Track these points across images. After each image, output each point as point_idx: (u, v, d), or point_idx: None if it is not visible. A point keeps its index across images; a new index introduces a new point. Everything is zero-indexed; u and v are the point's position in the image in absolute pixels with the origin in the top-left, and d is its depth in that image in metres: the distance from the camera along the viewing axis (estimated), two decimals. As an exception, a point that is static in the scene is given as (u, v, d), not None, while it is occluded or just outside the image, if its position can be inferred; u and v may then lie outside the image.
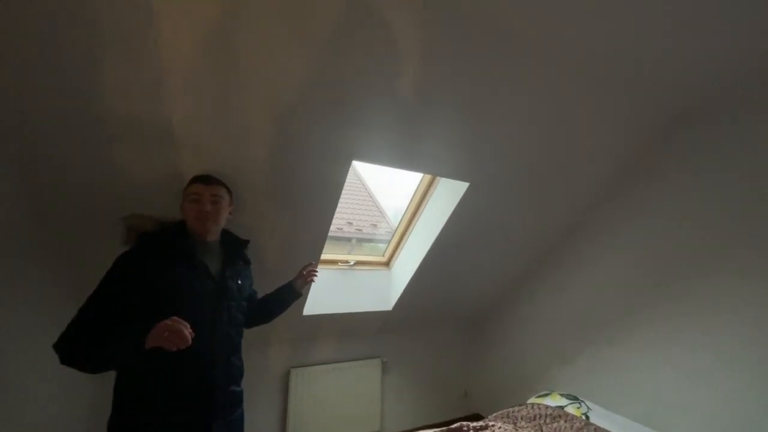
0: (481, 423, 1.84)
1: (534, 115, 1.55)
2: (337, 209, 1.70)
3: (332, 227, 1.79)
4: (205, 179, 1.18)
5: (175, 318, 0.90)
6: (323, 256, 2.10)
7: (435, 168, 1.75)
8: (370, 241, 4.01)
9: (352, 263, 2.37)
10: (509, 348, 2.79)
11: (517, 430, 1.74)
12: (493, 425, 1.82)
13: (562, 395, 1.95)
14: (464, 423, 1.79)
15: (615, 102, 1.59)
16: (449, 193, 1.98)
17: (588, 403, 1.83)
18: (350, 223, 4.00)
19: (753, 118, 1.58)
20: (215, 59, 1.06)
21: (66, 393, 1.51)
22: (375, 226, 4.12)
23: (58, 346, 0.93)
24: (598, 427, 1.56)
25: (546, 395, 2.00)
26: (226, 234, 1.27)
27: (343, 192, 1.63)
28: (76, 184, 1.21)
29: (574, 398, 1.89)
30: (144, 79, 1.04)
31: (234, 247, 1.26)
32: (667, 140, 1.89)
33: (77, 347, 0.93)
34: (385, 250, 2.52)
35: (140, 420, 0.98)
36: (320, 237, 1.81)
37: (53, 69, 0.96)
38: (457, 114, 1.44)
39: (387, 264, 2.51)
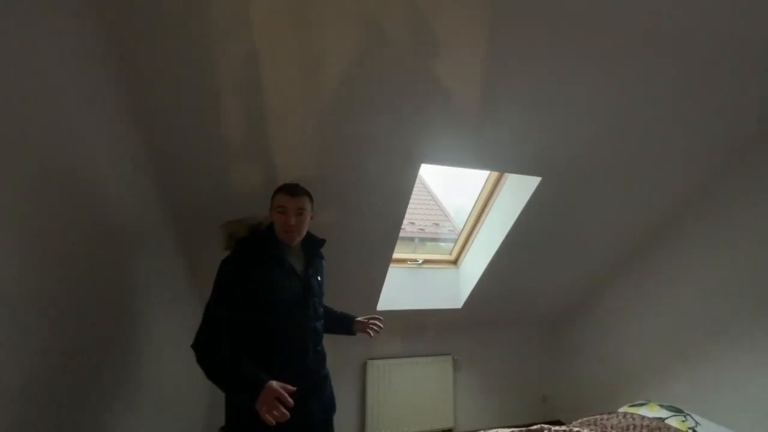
0: (564, 428, 1.76)
1: (620, 104, 1.43)
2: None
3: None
4: (291, 190, 1.25)
5: (280, 391, 0.97)
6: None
7: (505, 165, 1.72)
8: (433, 240, 4.04)
9: (420, 262, 2.43)
10: (595, 352, 2.58)
11: (607, 439, 1.62)
12: (578, 431, 1.72)
13: (661, 406, 1.76)
14: (545, 426, 1.73)
15: (723, 89, 1.40)
16: (519, 189, 1.92)
17: (695, 416, 1.63)
18: (412, 223, 4.08)
19: None
20: (306, 85, 1.21)
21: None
22: (437, 225, 4.13)
23: (195, 347, 1.06)
24: (710, 445, 1.39)
25: (642, 405, 1.82)
26: (306, 235, 1.34)
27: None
28: (202, 196, 1.49)
29: (677, 410, 1.69)
30: (251, 109, 1.24)
31: (313, 246, 1.35)
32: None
33: (211, 350, 1.05)
34: (452, 249, 2.53)
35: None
36: (391, 239, 1.91)
37: (186, 108, 1.20)
38: (529, 106, 1.40)
39: (455, 262, 2.52)
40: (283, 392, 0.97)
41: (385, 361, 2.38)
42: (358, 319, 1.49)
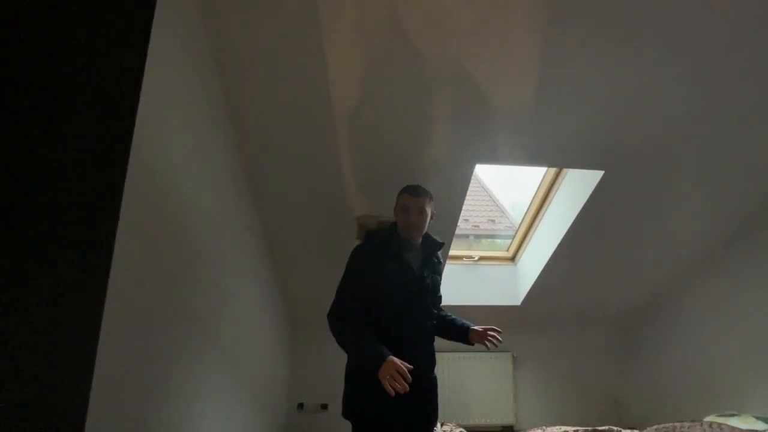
0: (636, 431, 1.68)
1: (698, 88, 1.33)
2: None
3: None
4: (413, 191, 1.32)
5: (400, 365, 1.06)
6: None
7: (564, 160, 1.69)
8: (489, 237, 3.97)
9: (476, 258, 2.46)
10: (673, 355, 2.36)
11: (688, 448, 1.52)
12: (653, 437, 1.64)
13: (758, 418, 1.59)
14: (615, 428, 1.68)
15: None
16: (580, 183, 1.85)
17: (801, 432, 1.45)
18: (467, 220, 4.05)
19: None
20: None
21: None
22: (493, 221, 4.05)
23: (329, 317, 1.23)
24: (819, 463, 1.24)
25: (732, 416, 1.66)
26: (424, 236, 1.40)
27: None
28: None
29: (777, 424, 1.52)
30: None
31: (431, 248, 1.40)
32: None
33: (342, 322, 1.21)
34: (509, 245, 2.51)
35: (370, 398, 1.19)
36: (446, 238, 1.97)
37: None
38: (588, 98, 1.37)
39: (512, 259, 2.50)
40: (403, 367, 1.07)
41: (449, 354, 2.45)
42: (474, 328, 1.42)
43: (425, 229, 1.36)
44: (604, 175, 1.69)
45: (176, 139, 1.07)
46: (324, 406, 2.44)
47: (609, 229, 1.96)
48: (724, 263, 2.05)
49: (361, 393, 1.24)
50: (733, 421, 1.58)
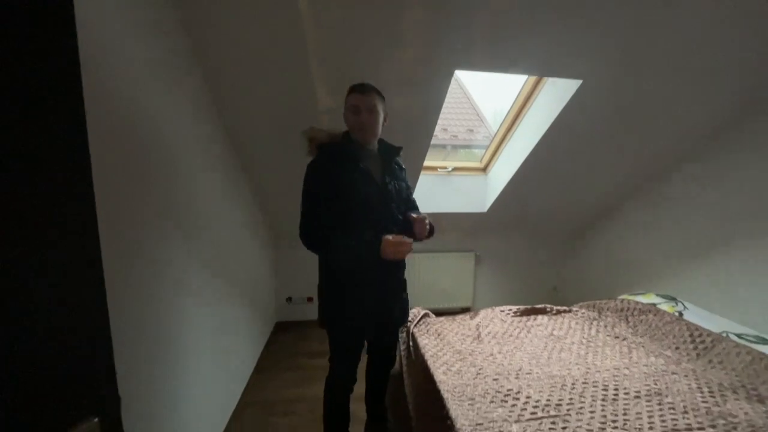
0: (565, 307, 2.10)
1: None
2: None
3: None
4: (360, 88, 1.24)
5: (395, 237, 1.17)
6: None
7: (544, 68, 1.65)
8: (466, 147, 4.01)
9: (450, 169, 2.55)
10: (607, 254, 2.79)
11: (600, 318, 1.94)
12: (576, 310, 2.06)
13: (658, 295, 2.00)
14: (550, 306, 2.08)
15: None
16: (557, 92, 1.85)
17: (686, 303, 1.86)
18: (445, 130, 4.00)
19: None
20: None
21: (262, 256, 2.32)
22: (471, 131, 4.04)
23: (302, 237, 1.23)
24: (689, 323, 1.64)
25: (640, 294, 2.08)
26: (381, 142, 1.36)
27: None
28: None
29: (671, 298, 1.93)
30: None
31: (389, 154, 1.36)
32: None
33: (314, 239, 1.22)
34: (483, 156, 2.59)
35: (344, 291, 1.30)
36: (421, 149, 2.01)
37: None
38: (572, 3, 1.29)
39: (484, 170, 2.62)
40: (398, 237, 1.18)
41: (417, 255, 2.77)
42: (412, 216, 1.37)
43: (379, 132, 1.30)
44: (581, 85, 1.69)
45: (129, 51, 0.97)
46: (309, 299, 2.81)
47: (577, 142, 2.06)
48: (673, 176, 2.28)
49: (333, 303, 1.32)
50: (640, 298, 1.99)
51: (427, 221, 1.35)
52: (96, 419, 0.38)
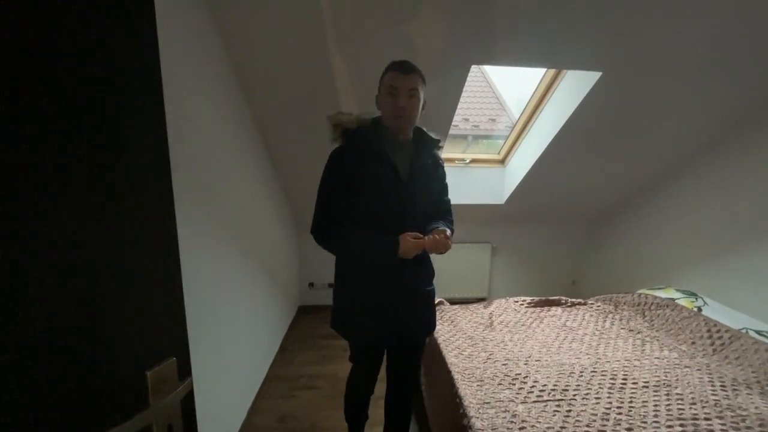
0: (580, 300, 2.11)
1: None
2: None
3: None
4: (401, 67, 1.02)
5: (412, 235, 1.03)
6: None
7: (563, 61, 1.63)
8: (486, 137, 3.97)
9: (467, 161, 2.58)
10: (628, 246, 2.74)
11: (616, 311, 1.94)
12: (592, 303, 2.07)
13: (677, 290, 1.98)
14: (564, 297, 2.10)
15: None
16: (577, 84, 1.83)
17: (707, 299, 1.84)
18: (466, 120, 3.98)
19: None
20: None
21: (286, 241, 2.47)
22: (493, 121, 3.99)
23: (314, 234, 1.09)
24: (708, 318, 1.63)
25: (660, 288, 2.05)
26: (418, 132, 1.15)
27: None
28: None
29: (690, 293, 1.90)
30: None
31: (425, 147, 1.14)
32: None
33: (324, 234, 1.08)
34: (501, 148, 2.59)
35: (356, 288, 1.15)
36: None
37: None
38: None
39: (502, 162, 2.62)
40: (416, 234, 1.04)
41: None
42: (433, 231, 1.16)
43: (417, 121, 1.08)
44: (601, 77, 1.67)
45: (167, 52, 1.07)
46: (331, 285, 2.94)
47: (597, 133, 2.03)
48: (696, 168, 2.20)
49: (348, 310, 1.16)
50: (659, 292, 1.98)
51: (446, 240, 1.07)
52: (174, 359, 0.50)
